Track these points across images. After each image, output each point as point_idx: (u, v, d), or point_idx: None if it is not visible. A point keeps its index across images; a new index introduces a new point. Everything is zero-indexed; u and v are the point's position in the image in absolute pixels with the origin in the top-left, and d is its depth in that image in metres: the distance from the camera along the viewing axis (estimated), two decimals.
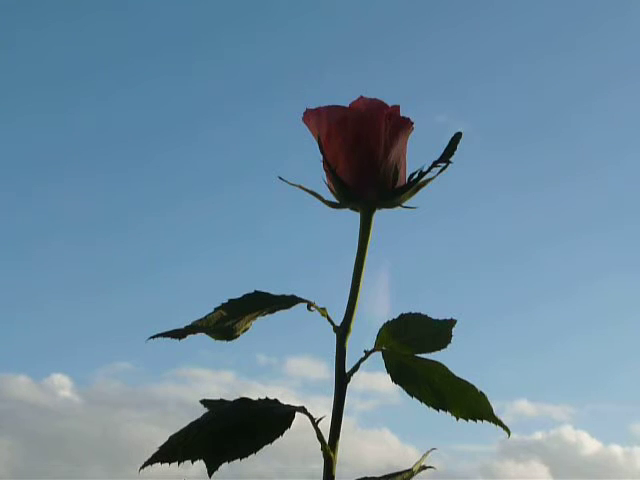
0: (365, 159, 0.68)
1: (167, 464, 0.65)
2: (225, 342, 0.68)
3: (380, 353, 0.71)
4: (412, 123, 0.69)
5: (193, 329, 0.67)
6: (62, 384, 4.75)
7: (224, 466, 0.65)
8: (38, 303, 4.72)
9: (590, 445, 4.90)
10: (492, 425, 0.69)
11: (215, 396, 0.69)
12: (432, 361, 0.70)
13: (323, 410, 0.67)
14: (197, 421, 0.67)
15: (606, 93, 4.98)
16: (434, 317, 0.72)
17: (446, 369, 0.70)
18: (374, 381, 0.69)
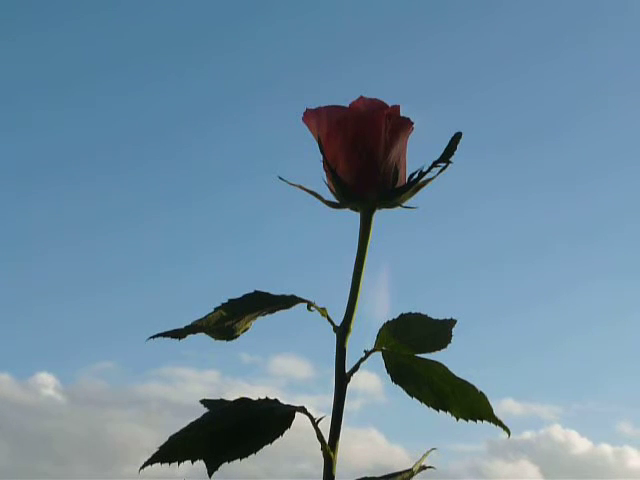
0: (365, 159, 0.68)
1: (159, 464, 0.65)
2: (212, 341, 0.68)
3: (376, 353, 0.71)
4: (412, 123, 0.69)
5: (193, 329, 0.67)
6: (46, 383, 4.74)
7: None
8: (23, 303, 4.72)
9: (580, 444, 4.91)
10: (480, 424, 0.69)
11: (199, 396, 0.69)
12: (432, 361, 0.70)
13: (308, 409, 0.67)
14: (197, 421, 0.66)
15: (603, 102, 4.99)
16: (434, 317, 0.72)
17: (446, 369, 0.69)
18: (360, 380, 0.69)
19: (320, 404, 0.67)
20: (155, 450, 0.65)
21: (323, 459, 0.66)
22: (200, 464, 0.65)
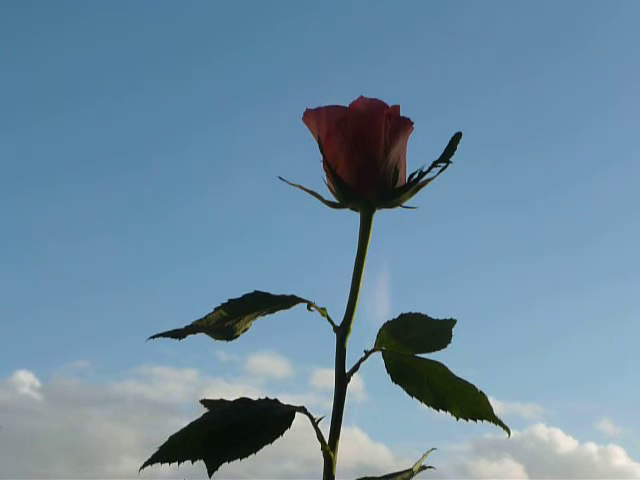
0: (365, 159, 0.68)
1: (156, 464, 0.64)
2: (189, 339, 0.68)
3: (377, 353, 0.71)
4: (412, 123, 0.69)
5: (193, 329, 0.67)
6: (24, 381, 4.73)
7: (195, 465, 0.64)
8: (1, 303, 4.72)
9: (565, 443, 4.93)
10: (464, 423, 0.69)
11: (177, 394, 0.69)
12: (432, 361, 0.70)
13: None
14: (197, 421, 0.67)
15: (600, 112, 5.01)
16: (434, 317, 0.72)
17: (446, 369, 0.70)
18: None
19: (299, 403, 0.67)
20: (156, 450, 0.65)
21: (323, 459, 0.66)
22: (196, 464, 0.65)
